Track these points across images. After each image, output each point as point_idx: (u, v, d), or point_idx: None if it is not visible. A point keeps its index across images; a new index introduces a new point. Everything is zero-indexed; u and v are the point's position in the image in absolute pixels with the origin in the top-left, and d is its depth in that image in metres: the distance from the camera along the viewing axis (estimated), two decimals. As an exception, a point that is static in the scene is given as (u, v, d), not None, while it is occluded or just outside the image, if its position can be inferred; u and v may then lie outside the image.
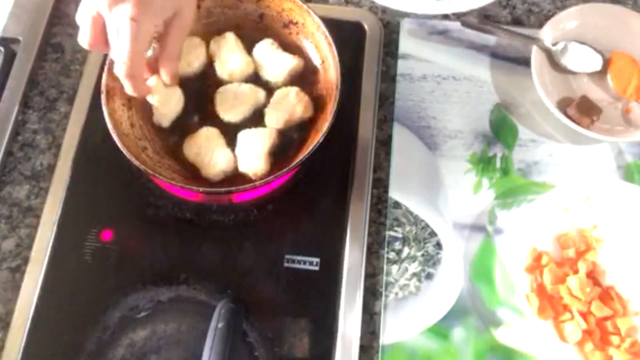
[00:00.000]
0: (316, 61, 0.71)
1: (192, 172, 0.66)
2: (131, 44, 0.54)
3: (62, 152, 0.72)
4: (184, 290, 0.65)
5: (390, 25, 0.80)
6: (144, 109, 0.67)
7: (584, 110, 0.72)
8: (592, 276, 0.66)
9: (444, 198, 0.71)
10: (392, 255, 0.68)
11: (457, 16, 0.81)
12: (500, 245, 0.69)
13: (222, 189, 0.63)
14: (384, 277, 0.67)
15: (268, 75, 0.70)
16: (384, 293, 0.67)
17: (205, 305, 0.64)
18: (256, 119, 0.68)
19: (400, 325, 0.65)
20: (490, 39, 0.79)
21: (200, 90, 0.69)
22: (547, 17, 0.77)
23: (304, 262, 0.67)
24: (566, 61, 0.76)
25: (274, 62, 0.69)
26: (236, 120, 0.67)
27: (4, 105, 0.74)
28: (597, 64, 0.76)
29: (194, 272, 0.66)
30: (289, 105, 0.67)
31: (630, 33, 0.77)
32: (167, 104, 0.66)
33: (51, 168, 0.71)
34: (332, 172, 0.72)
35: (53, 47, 0.79)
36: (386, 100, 0.76)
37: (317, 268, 0.67)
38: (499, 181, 0.72)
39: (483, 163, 0.73)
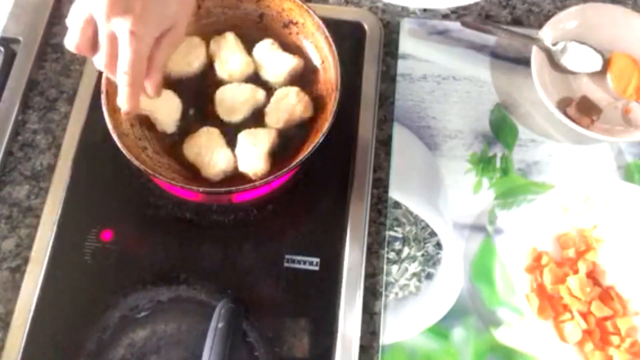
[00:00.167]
0: (316, 61, 0.71)
1: (192, 172, 0.66)
2: (132, 56, 0.54)
3: (62, 152, 0.72)
4: (184, 290, 0.65)
5: (390, 25, 0.80)
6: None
7: (584, 110, 0.72)
8: (592, 276, 0.66)
9: (444, 198, 0.71)
10: (392, 255, 0.68)
11: (457, 16, 0.81)
12: (500, 245, 0.69)
13: (222, 189, 0.63)
14: (384, 277, 0.67)
15: (268, 75, 0.70)
16: (384, 293, 0.67)
17: (205, 305, 0.64)
18: (256, 119, 0.68)
19: (400, 325, 0.65)
20: (490, 39, 0.79)
21: (200, 90, 0.69)
22: (547, 17, 0.77)
23: (304, 262, 0.67)
24: (566, 61, 0.76)
25: (274, 62, 0.69)
26: (236, 120, 0.67)
27: (4, 105, 0.74)
28: (597, 64, 0.76)
29: (194, 272, 0.66)
30: (289, 105, 0.67)
31: (630, 33, 0.77)
32: (168, 111, 0.66)
33: (51, 168, 0.71)
34: (332, 172, 0.72)
35: (53, 47, 0.79)
36: (386, 100, 0.76)
37: (317, 268, 0.67)
38: (499, 181, 0.72)
39: (483, 163, 0.73)
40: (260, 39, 0.71)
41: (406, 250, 0.69)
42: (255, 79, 0.70)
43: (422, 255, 0.69)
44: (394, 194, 0.71)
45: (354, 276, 0.66)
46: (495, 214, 0.70)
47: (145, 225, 0.70)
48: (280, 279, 0.66)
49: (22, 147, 0.73)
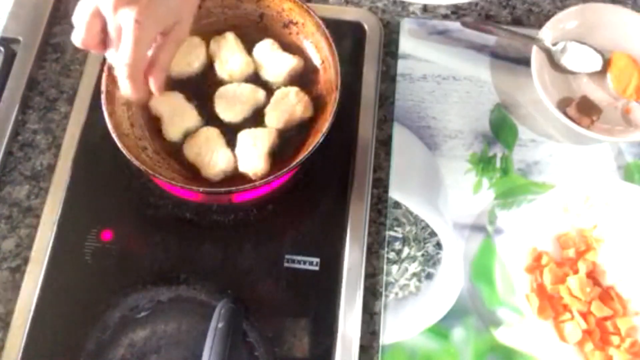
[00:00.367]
0: (316, 61, 0.71)
1: (192, 172, 0.65)
2: (134, 46, 0.54)
3: (62, 152, 0.72)
4: (184, 290, 0.65)
5: (390, 25, 0.80)
6: (144, 110, 0.68)
7: (584, 110, 0.72)
8: (592, 276, 0.66)
9: (444, 198, 0.71)
10: (392, 255, 0.68)
11: (457, 16, 0.81)
12: (500, 245, 0.69)
13: (222, 189, 0.63)
14: (384, 277, 0.67)
15: (268, 75, 0.70)
16: (384, 293, 0.67)
17: (205, 305, 0.64)
18: (256, 119, 0.68)
19: (400, 325, 0.65)
20: (490, 39, 0.79)
21: (200, 90, 0.69)
22: (547, 17, 0.77)
23: (304, 262, 0.67)
24: (566, 61, 0.76)
25: (274, 62, 0.69)
26: (236, 120, 0.67)
27: (4, 105, 0.74)
28: (597, 64, 0.76)
29: (194, 272, 0.66)
30: (289, 105, 0.67)
31: (630, 33, 0.77)
32: (179, 122, 0.66)
33: (51, 168, 0.71)
34: (332, 172, 0.72)
35: (53, 47, 0.79)
36: (386, 100, 0.76)
37: (317, 268, 0.67)
38: (499, 181, 0.72)
39: (483, 163, 0.73)
40: (260, 39, 0.71)
41: (406, 250, 0.69)
42: (255, 79, 0.70)
43: (422, 255, 0.69)
44: (394, 194, 0.71)
45: (354, 276, 0.66)
46: (495, 214, 0.70)
47: (145, 225, 0.70)
48: (280, 279, 0.66)
49: (22, 147, 0.73)
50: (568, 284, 0.65)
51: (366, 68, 0.77)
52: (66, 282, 0.66)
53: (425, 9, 0.81)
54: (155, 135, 0.67)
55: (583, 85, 0.76)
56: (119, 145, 0.61)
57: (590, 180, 0.71)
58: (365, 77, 0.76)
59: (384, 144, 0.74)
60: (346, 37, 0.77)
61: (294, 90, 0.68)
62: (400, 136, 0.74)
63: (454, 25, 0.80)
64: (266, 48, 0.70)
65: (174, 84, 0.69)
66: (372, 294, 0.67)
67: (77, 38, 0.56)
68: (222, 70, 0.69)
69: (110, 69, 0.64)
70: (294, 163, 0.61)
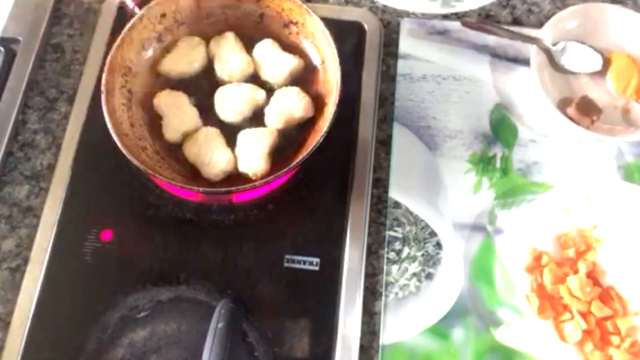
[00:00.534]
0: (316, 61, 0.71)
1: (192, 172, 0.66)
2: None
3: (62, 152, 0.72)
4: (184, 290, 0.65)
5: (390, 25, 0.80)
6: (145, 109, 0.68)
7: (584, 110, 0.72)
8: (592, 276, 0.66)
9: (444, 198, 0.71)
10: (392, 255, 0.68)
11: (457, 16, 0.81)
12: (500, 245, 0.69)
13: (222, 189, 0.63)
14: (384, 277, 0.67)
15: (268, 75, 0.70)
16: (384, 293, 0.67)
17: (205, 305, 0.64)
18: (256, 119, 0.68)
19: (400, 325, 0.65)
20: (490, 39, 0.79)
21: (200, 91, 0.69)
22: (547, 17, 0.77)
23: (304, 262, 0.67)
24: (566, 61, 0.76)
25: (274, 62, 0.69)
26: (236, 120, 0.67)
27: (4, 105, 0.74)
28: (597, 64, 0.76)
29: (194, 272, 0.66)
30: (289, 105, 0.67)
31: (630, 33, 0.77)
32: (179, 121, 0.66)
33: (51, 168, 0.71)
34: (332, 172, 0.72)
35: (53, 47, 0.79)
36: (386, 100, 0.76)
37: (317, 268, 0.67)
38: (499, 181, 0.72)
39: (483, 163, 0.73)
40: (260, 39, 0.71)
41: (406, 250, 0.69)
42: (255, 79, 0.70)
43: (422, 255, 0.68)
44: (394, 194, 0.71)
45: (354, 276, 0.66)
46: (495, 214, 0.70)
47: (145, 225, 0.70)
48: (280, 279, 0.66)
49: (22, 147, 0.73)
50: (568, 284, 0.65)
51: (366, 68, 0.77)
52: (66, 282, 0.66)
53: (425, 9, 0.81)
54: (155, 135, 0.67)
55: (583, 85, 0.76)
56: (119, 145, 0.61)
57: (590, 180, 0.71)
58: (365, 77, 0.76)
59: (384, 144, 0.74)
60: (346, 37, 0.77)
61: (294, 90, 0.68)
62: (400, 136, 0.74)
63: (454, 25, 0.80)
64: (266, 48, 0.70)
65: (174, 84, 0.69)
66: (372, 294, 0.67)
67: None
68: (222, 70, 0.69)
69: (111, 67, 0.64)
70: (294, 163, 0.61)
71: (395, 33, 0.80)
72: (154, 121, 0.68)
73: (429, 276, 0.68)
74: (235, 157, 0.65)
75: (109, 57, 0.65)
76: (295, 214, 0.71)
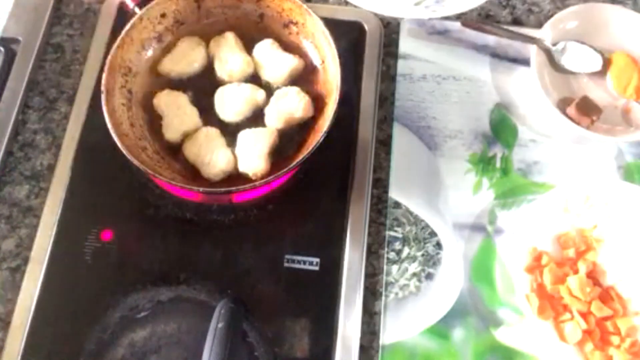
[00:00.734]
0: (316, 61, 0.71)
1: (192, 172, 0.65)
2: None
3: (62, 152, 0.72)
4: (184, 290, 0.65)
5: (390, 25, 0.80)
6: (145, 109, 0.68)
7: (584, 110, 0.72)
8: (592, 276, 0.66)
9: (444, 198, 0.71)
10: (392, 255, 0.68)
11: (457, 16, 0.81)
12: (500, 245, 0.69)
13: (222, 189, 0.63)
14: (384, 277, 0.67)
15: (268, 75, 0.70)
16: (384, 293, 0.67)
17: (205, 305, 0.64)
18: (256, 119, 0.68)
19: (400, 325, 0.65)
20: (490, 39, 0.79)
21: (200, 90, 0.69)
22: (547, 17, 0.77)
23: (304, 262, 0.67)
24: (566, 61, 0.76)
25: (274, 62, 0.69)
26: (236, 120, 0.67)
27: (4, 105, 0.74)
28: (597, 64, 0.76)
29: (194, 272, 0.66)
30: (289, 105, 0.67)
31: (630, 33, 0.77)
32: (179, 121, 0.66)
33: (51, 168, 0.71)
34: (332, 172, 0.72)
35: (53, 47, 0.79)
36: (386, 100, 0.76)
37: (317, 268, 0.67)
38: (499, 181, 0.72)
39: (483, 163, 0.73)
40: (260, 39, 0.71)
41: (406, 250, 0.69)
42: (255, 79, 0.70)
43: (422, 255, 0.68)
44: (394, 194, 0.71)
45: (354, 276, 0.66)
46: (495, 214, 0.70)
47: (145, 225, 0.70)
48: (280, 279, 0.66)
49: (22, 147, 0.73)
50: (568, 284, 0.65)
51: (366, 68, 0.77)
52: (66, 282, 0.66)
53: (425, 9, 0.81)
54: (155, 135, 0.67)
55: (583, 85, 0.76)
56: (119, 145, 0.61)
57: (590, 180, 0.71)
58: (365, 77, 0.76)
59: (384, 144, 0.74)
60: (346, 37, 0.77)
61: (294, 90, 0.68)
62: (400, 136, 0.74)
63: (454, 25, 0.80)
64: (266, 48, 0.70)
65: (174, 84, 0.69)
66: (372, 294, 0.67)
67: None
68: (222, 70, 0.69)
69: (111, 67, 0.64)
70: (294, 163, 0.61)
71: (395, 33, 0.80)
72: (154, 121, 0.68)
73: (429, 276, 0.68)
74: (235, 157, 0.65)
75: (109, 57, 0.65)
76: (295, 214, 0.71)
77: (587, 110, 0.72)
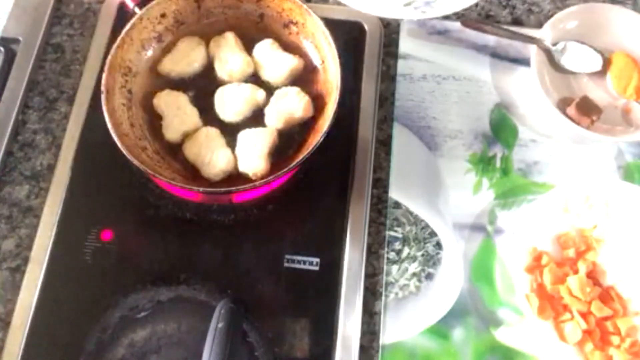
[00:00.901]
0: (316, 61, 0.71)
1: (192, 172, 0.65)
2: None
3: (62, 152, 0.72)
4: (184, 290, 0.65)
5: (390, 26, 0.80)
6: (145, 109, 0.68)
7: (584, 110, 0.72)
8: (592, 276, 0.66)
9: (444, 198, 0.71)
10: (392, 255, 0.68)
11: (457, 16, 0.81)
12: (500, 245, 0.69)
13: (222, 189, 0.63)
14: (384, 277, 0.67)
15: (268, 75, 0.70)
16: (384, 293, 0.67)
17: (205, 305, 0.64)
18: (256, 119, 0.68)
19: (400, 325, 0.65)
20: (490, 39, 0.79)
21: (200, 90, 0.69)
22: (547, 17, 0.77)
23: (304, 262, 0.67)
24: (566, 61, 0.76)
25: (274, 62, 0.69)
26: (236, 120, 0.67)
27: (4, 105, 0.74)
28: (597, 64, 0.76)
29: (194, 272, 0.66)
30: (289, 105, 0.67)
31: (630, 33, 0.77)
32: (179, 121, 0.66)
33: (51, 168, 0.71)
34: (332, 172, 0.72)
35: (53, 47, 0.79)
36: (386, 100, 0.76)
37: (317, 268, 0.67)
38: (499, 181, 0.72)
39: (483, 163, 0.73)
40: (260, 39, 0.71)
41: (406, 250, 0.69)
42: (255, 79, 0.70)
43: (422, 255, 0.68)
44: (394, 194, 0.71)
45: (354, 276, 0.66)
46: (495, 214, 0.70)
47: (145, 225, 0.70)
48: (280, 279, 0.66)
49: (22, 147, 0.73)
50: (568, 284, 0.65)
51: (366, 68, 0.77)
52: (66, 282, 0.66)
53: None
54: (155, 135, 0.67)
55: (583, 85, 0.76)
56: (119, 145, 0.61)
57: (590, 180, 0.71)
58: (365, 77, 0.76)
59: (384, 144, 0.74)
60: (346, 37, 0.77)
61: (294, 90, 0.67)
62: (400, 136, 0.74)
63: (454, 25, 0.80)
64: (266, 48, 0.70)
65: (174, 84, 0.69)
66: (372, 294, 0.67)
67: None
68: (222, 70, 0.69)
69: (111, 67, 0.64)
70: (294, 163, 0.61)
71: (395, 33, 0.80)
72: (154, 121, 0.68)
73: (429, 276, 0.68)
74: (235, 157, 0.65)
75: (109, 57, 0.65)
76: (295, 214, 0.71)
77: (587, 110, 0.72)
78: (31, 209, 0.70)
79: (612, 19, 0.77)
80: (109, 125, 0.62)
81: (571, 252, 0.67)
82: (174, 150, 0.67)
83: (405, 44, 0.79)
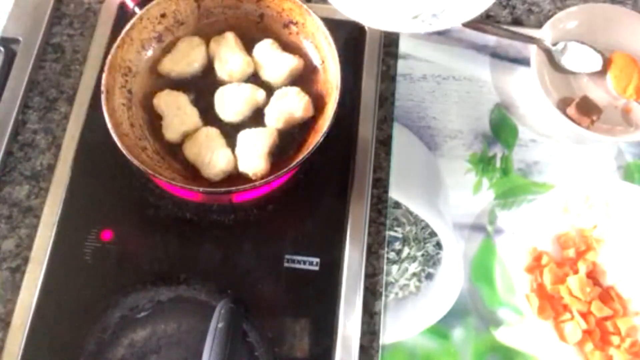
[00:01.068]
0: (316, 61, 0.71)
1: (192, 172, 0.66)
2: None
3: (62, 152, 0.72)
4: (184, 290, 0.65)
5: (390, 25, 0.80)
6: (145, 109, 0.68)
7: (584, 110, 0.72)
8: (592, 276, 0.66)
9: (444, 198, 0.71)
10: (392, 255, 0.68)
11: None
12: (500, 245, 0.69)
13: (222, 189, 0.63)
14: (384, 277, 0.67)
15: (268, 75, 0.70)
16: (384, 293, 0.67)
17: (205, 305, 0.64)
18: (256, 119, 0.68)
19: (400, 325, 0.65)
20: (490, 39, 0.79)
21: (200, 90, 0.69)
22: (547, 17, 0.77)
23: (304, 262, 0.67)
24: (566, 61, 0.76)
25: (274, 62, 0.69)
26: (236, 120, 0.67)
27: (4, 105, 0.74)
28: (597, 64, 0.76)
29: (194, 272, 0.66)
30: (289, 105, 0.67)
31: (630, 33, 0.77)
32: (179, 121, 0.66)
33: (51, 168, 0.71)
34: (332, 172, 0.72)
35: (53, 47, 0.79)
36: (386, 100, 0.76)
37: (317, 268, 0.67)
38: (499, 181, 0.72)
39: (483, 163, 0.73)
40: (260, 39, 0.71)
41: (406, 250, 0.69)
42: (255, 79, 0.70)
43: (422, 255, 0.68)
44: (394, 194, 0.71)
45: (354, 276, 0.66)
46: (495, 214, 0.70)
47: (145, 225, 0.70)
48: (280, 279, 0.66)
49: (22, 147, 0.73)
50: (568, 284, 0.65)
51: (366, 68, 0.77)
52: (66, 282, 0.66)
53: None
54: (155, 135, 0.67)
55: (583, 85, 0.76)
56: (119, 145, 0.61)
57: (590, 180, 0.71)
58: (365, 77, 0.76)
59: (384, 144, 0.74)
60: (346, 37, 0.77)
61: (294, 90, 0.68)
62: (400, 136, 0.74)
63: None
64: (266, 48, 0.70)
65: (174, 84, 0.69)
66: (372, 294, 0.67)
67: None
68: (222, 70, 0.69)
69: (111, 67, 0.64)
70: (294, 163, 0.61)
71: (395, 33, 0.80)
72: (154, 121, 0.68)
73: (429, 276, 0.68)
74: (235, 157, 0.65)
75: (109, 57, 0.65)
76: (295, 214, 0.71)
77: (587, 110, 0.72)
78: (31, 209, 0.70)
79: (612, 19, 0.77)
80: (109, 125, 0.62)
81: (571, 252, 0.67)
82: (174, 150, 0.67)
83: (405, 44, 0.79)
